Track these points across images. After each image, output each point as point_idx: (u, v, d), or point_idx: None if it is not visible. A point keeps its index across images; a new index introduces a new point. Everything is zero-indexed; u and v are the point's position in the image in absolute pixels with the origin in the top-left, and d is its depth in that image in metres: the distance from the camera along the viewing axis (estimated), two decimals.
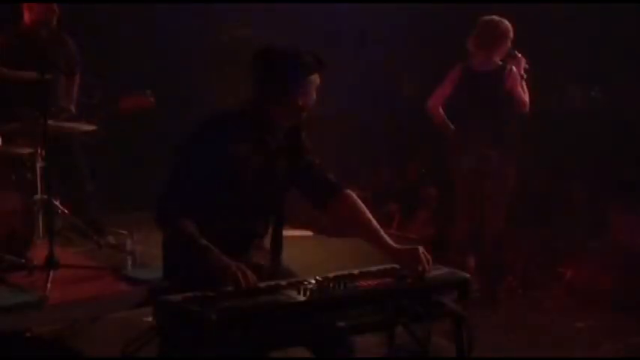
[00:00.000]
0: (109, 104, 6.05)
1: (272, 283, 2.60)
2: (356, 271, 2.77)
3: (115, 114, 6.00)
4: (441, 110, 5.44)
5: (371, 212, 3.05)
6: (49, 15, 5.89)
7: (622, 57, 7.29)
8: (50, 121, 4.97)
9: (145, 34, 7.48)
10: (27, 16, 5.89)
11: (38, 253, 5.08)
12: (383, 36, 7.91)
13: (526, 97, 5.30)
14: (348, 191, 3.08)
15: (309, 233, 6.66)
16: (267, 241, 3.10)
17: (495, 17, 5.33)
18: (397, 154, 8.57)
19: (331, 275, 2.70)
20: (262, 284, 2.58)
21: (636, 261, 5.43)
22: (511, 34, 5.32)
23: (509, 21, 5.34)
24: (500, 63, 5.31)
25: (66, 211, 5.93)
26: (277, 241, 3.08)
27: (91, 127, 5.90)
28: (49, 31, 5.96)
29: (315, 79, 2.97)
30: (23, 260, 4.95)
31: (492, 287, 5.20)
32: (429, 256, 2.80)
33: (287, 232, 3.15)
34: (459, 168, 5.40)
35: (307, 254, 5.55)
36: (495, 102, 5.29)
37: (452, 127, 5.45)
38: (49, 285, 4.57)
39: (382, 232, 2.96)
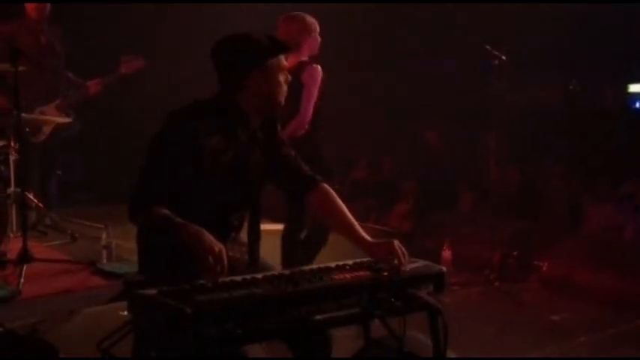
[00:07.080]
0: (111, 70, 6.32)
1: (248, 276, 2.58)
2: (332, 265, 2.76)
3: (119, 77, 6.29)
4: None
5: (348, 206, 3.03)
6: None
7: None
8: (24, 114, 4.92)
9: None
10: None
11: (12, 247, 5.04)
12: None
13: None
14: (324, 185, 3.06)
15: None
16: (244, 235, 3.08)
17: None
18: (374, 149, 8.60)
19: (307, 269, 2.69)
20: (238, 278, 2.56)
21: (610, 254, 5.47)
22: None
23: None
24: None
25: (40, 204, 5.90)
26: (254, 234, 3.05)
27: (66, 120, 5.89)
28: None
29: (276, 62, 2.88)
30: None
31: None
32: (404, 250, 2.79)
33: (265, 226, 3.13)
34: None
35: None
36: None
37: None
38: (22, 279, 4.54)
39: (357, 226, 2.94)
